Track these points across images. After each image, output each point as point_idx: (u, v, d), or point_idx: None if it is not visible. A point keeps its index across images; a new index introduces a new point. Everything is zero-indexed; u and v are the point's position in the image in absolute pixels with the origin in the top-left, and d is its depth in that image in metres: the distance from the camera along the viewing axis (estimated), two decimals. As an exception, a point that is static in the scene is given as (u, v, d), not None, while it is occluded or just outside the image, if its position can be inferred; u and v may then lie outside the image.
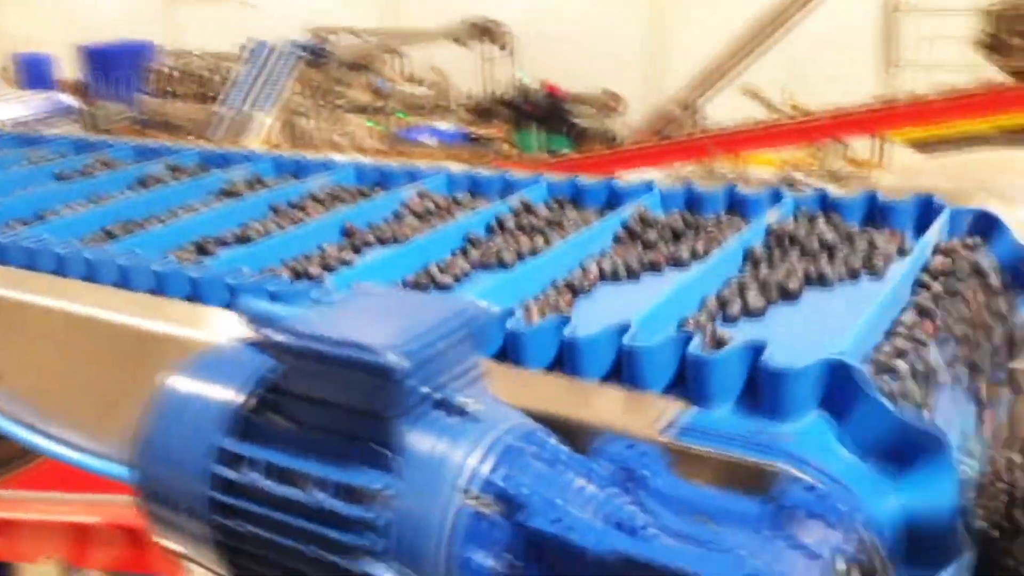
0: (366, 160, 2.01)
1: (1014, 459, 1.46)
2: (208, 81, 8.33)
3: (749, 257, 1.36)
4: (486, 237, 1.52)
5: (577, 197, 1.68)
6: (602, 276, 1.34)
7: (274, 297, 1.18)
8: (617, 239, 1.50)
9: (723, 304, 1.21)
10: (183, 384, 0.96)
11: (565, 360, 1.06)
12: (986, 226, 1.41)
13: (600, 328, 1.04)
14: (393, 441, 0.84)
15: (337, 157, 2.06)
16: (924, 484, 0.85)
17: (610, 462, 0.87)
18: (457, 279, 1.35)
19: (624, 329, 1.04)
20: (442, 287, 1.33)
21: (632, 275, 1.35)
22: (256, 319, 0.90)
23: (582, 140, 9.56)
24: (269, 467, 0.88)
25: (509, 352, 1.08)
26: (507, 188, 1.73)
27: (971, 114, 7.24)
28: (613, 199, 1.65)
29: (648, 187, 1.63)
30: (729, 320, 1.19)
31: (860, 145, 8.28)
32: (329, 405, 0.86)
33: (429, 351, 0.84)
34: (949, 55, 8.35)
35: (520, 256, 1.41)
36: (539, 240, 1.46)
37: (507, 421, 0.88)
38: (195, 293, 1.32)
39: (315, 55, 7.88)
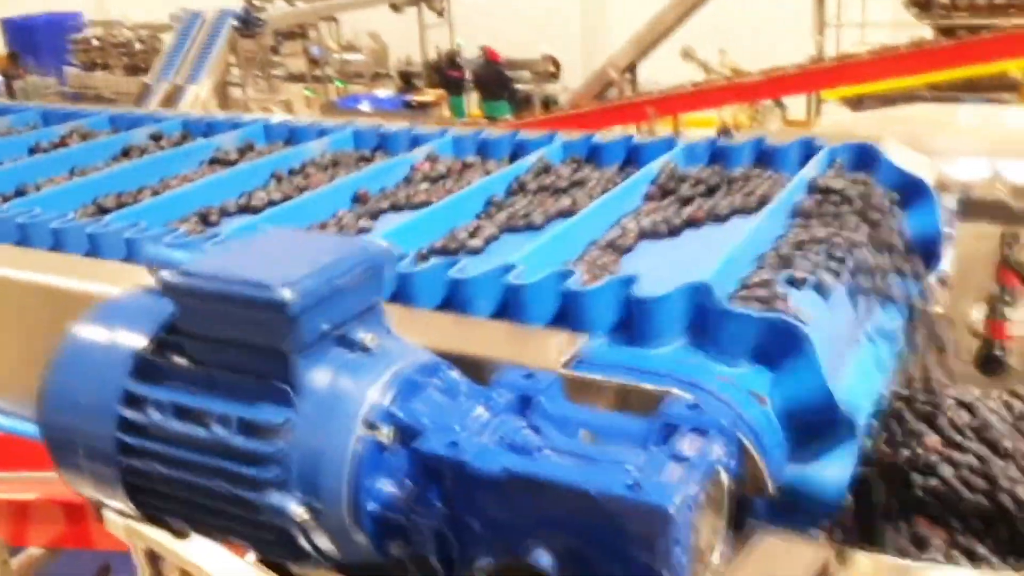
0: (363, 124, 1.93)
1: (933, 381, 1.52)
2: (138, 52, 8.15)
3: (798, 212, 1.34)
4: (509, 199, 1.48)
5: (594, 155, 1.64)
6: (642, 234, 1.31)
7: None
8: (648, 196, 1.46)
9: (784, 261, 1.18)
10: (85, 332, 0.97)
11: (632, 321, 1.02)
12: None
13: (668, 287, 1.00)
14: (293, 376, 0.86)
15: (330, 122, 1.97)
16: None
17: (507, 391, 0.90)
18: (487, 242, 1.31)
19: (697, 288, 1.01)
20: (472, 251, 1.28)
21: (673, 232, 1.32)
22: (155, 263, 0.91)
23: (524, 105, 9.56)
24: (173, 407, 0.90)
25: (569, 314, 1.04)
26: (518, 148, 1.69)
27: (901, 71, 7.37)
28: (633, 156, 1.61)
29: (670, 143, 1.60)
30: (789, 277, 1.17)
31: (797, 105, 8.40)
32: (229, 344, 0.88)
33: (325, 288, 0.86)
34: (880, 14, 8.49)
35: (548, 217, 1.37)
36: (565, 200, 1.41)
37: (407, 356, 0.91)
38: None
39: (248, 24, 7.73)
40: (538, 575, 0.79)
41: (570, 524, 0.79)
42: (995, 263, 1.43)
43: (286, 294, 0.83)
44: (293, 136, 1.89)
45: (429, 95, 9.19)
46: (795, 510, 0.95)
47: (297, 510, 0.85)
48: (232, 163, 1.76)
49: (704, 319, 0.96)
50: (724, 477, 0.82)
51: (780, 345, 0.92)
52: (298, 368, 0.86)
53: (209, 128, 1.96)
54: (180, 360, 0.91)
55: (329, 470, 0.85)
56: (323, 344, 0.88)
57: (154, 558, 1.74)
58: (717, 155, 1.55)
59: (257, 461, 0.86)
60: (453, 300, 1.10)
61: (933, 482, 1.54)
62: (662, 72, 8.26)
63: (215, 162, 1.78)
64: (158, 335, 0.93)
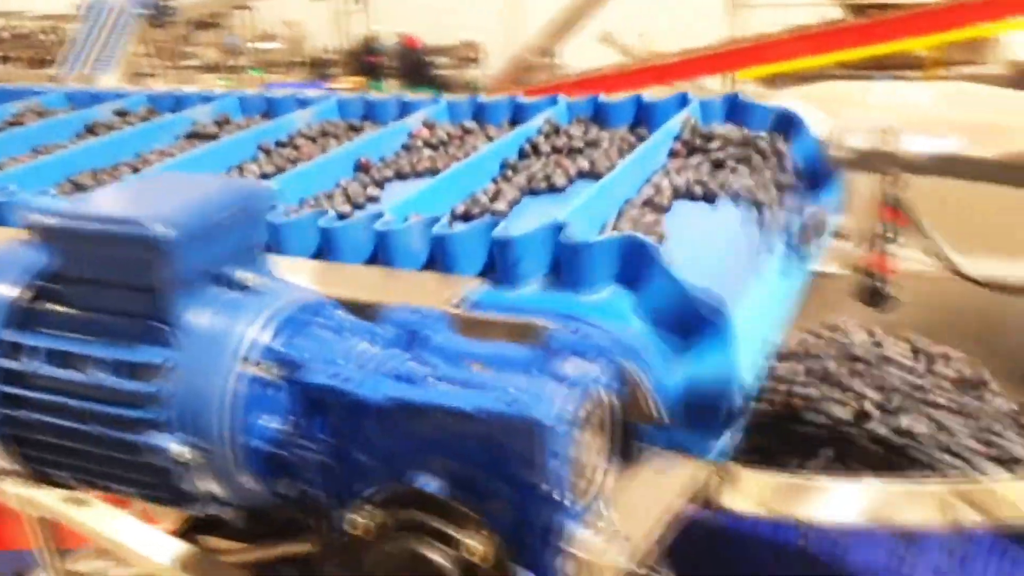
0: (348, 94, 1.84)
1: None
2: (43, 44, 7.91)
3: None
4: (523, 162, 1.43)
5: (601, 116, 1.59)
6: (676, 193, 1.27)
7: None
8: (674, 153, 1.43)
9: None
10: (-42, 287, 0.94)
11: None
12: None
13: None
14: (171, 315, 0.85)
15: (311, 93, 1.86)
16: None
17: (394, 326, 0.90)
18: (511, 205, 1.26)
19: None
20: (497, 215, 1.21)
21: (708, 196, 1.27)
22: (29, 210, 0.89)
23: (445, 91, 9.52)
24: (50, 353, 0.88)
25: (638, 274, 1.01)
26: (517, 112, 1.64)
27: (813, 51, 7.50)
28: (642, 115, 1.57)
29: (682, 100, 1.55)
30: None
31: (713, 86, 8.52)
32: (105, 285, 0.87)
33: (200, 224, 0.85)
34: (792, -6, 8.65)
35: (570, 178, 1.34)
36: (583, 161, 1.37)
37: (289, 295, 0.91)
38: None
39: (158, 13, 7.54)
40: (427, 499, 0.80)
41: (455, 448, 0.80)
42: (877, 201, 1.48)
43: (160, 229, 0.82)
44: (271, 108, 1.80)
45: (348, 82, 9.09)
46: (690, 416, 0.97)
47: (179, 450, 0.84)
48: (212, 137, 1.66)
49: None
50: (605, 396, 0.84)
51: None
52: (176, 307, 0.85)
53: (177, 102, 1.85)
54: (56, 306, 0.90)
55: (210, 408, 0.84)
56: (202, 283, 0.87)
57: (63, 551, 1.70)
58: (734, 113, 1.53)
59: (136, 402, 0.85)
60: (498, 261, 1.05)
61: (826, 424, 1.59)
62: (582, 56, 8.30)
63: (193, 136, 1.69)
64: (33, 284, 0.91)
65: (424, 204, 1.22)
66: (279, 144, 1.59)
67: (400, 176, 1.42)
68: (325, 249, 1.13)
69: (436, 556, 0.77)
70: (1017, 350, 1.62)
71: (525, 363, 0.84)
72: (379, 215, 1.13)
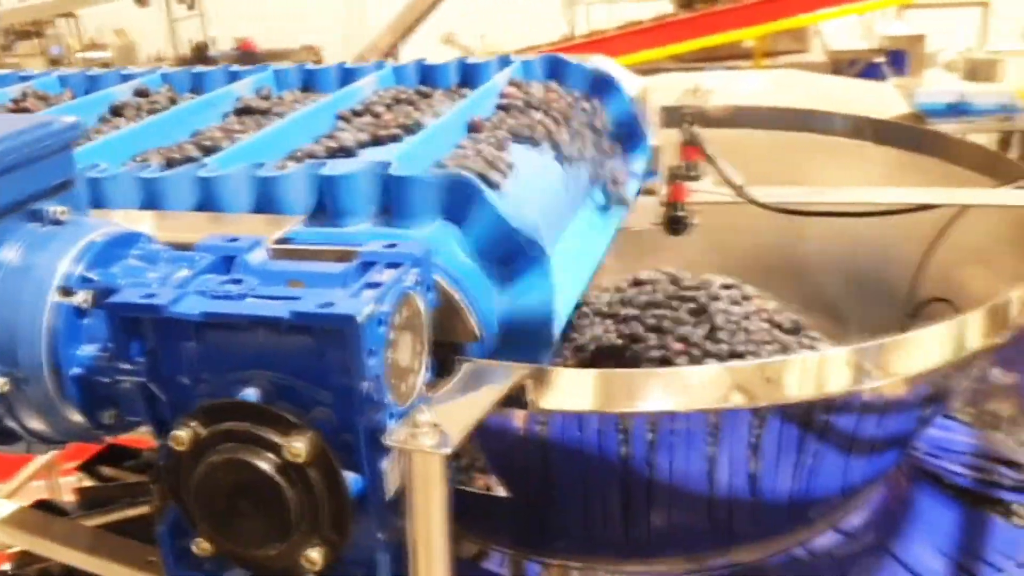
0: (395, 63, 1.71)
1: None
2: None
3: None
4: None
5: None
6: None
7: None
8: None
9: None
10: None
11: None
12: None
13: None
14: (-21, 250, 0.85)
15: (352, 64, 1.70)
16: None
17: (209, 252, 0.92)
18: None
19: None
20: None
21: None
22: None
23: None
24: None
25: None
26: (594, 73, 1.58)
27: (646, 45, 7.80)
28: None
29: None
30: None
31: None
32: (-91, 224, 0.85)
33: (7, 159, 0.85)
34: (626, -10, 8.97)
35: None
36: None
37: (103, 228, 0.91)
38: None
39: (-26, 21, 7.18)
40: (247, 409, 0.82)
41: (274, 358, 0.82)
42: (679, 144, 1.59)
43: (-42, 161, 0.81)
44: (311, 81, 1.66)
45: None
46: (510, 348, 1.03)
47: (-3, 381, 0.84)
48: (264, 112, 1.51)
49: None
50: (419, 302, 0.88)
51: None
52: (-16, 241, 0.85)
53: (197, 80, 1.67)
54: None
55: (25, 339, 0.84)
56: (11, 218, 0.87)
57: None
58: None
59: (-53, 338, 0.84)
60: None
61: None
62: (424, 55, 8.35)
63: (244, 112, 1.52)
64: None
65: None
66: (356, 113, 1.47)
67: (515, 136, 1.33)
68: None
69: (258, 461, 0.80)
70: (812, 277, 1.76)
71: (340, 277, 0.87)
72: None
